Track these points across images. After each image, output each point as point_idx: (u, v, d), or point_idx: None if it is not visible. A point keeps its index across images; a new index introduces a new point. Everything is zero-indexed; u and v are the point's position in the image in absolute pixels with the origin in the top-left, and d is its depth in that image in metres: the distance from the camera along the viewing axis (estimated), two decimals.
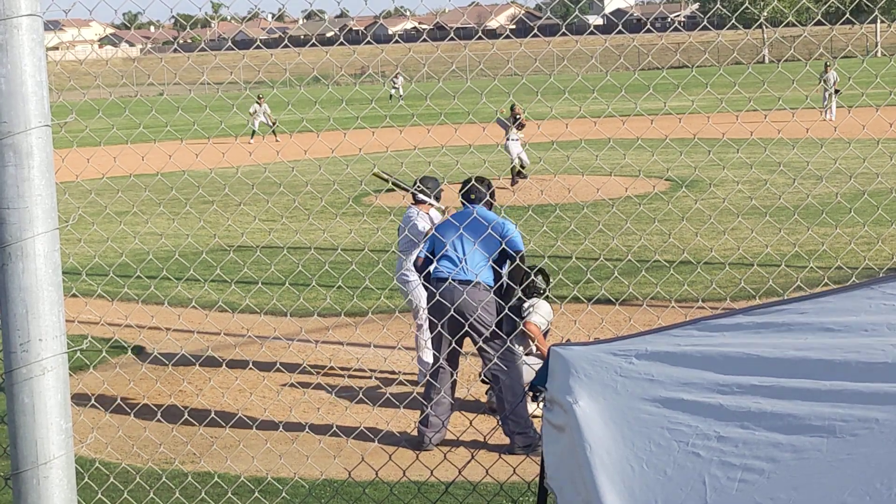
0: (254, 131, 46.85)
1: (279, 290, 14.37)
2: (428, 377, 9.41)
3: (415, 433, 9.65)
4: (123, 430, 9.20)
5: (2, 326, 3.84)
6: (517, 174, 27.60)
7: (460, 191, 10.14)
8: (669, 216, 19.77)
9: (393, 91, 67.06)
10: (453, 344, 9.10)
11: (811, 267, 13.16)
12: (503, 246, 9.50)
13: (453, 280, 9.44)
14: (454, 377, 9.54)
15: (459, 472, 7.01)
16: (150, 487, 8.09)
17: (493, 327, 9.48)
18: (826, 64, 42.39)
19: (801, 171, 23.36)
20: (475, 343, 9.50)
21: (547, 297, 10.83)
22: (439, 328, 9.19)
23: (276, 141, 43.92)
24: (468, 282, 9.43)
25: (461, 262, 9.52)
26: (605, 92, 46.89)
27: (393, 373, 11.39)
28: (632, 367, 3.93)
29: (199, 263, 14.91)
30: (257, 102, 46.65)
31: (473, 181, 10.05)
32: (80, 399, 10.08)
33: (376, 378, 11.30)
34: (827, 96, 40.68)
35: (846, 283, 4.13)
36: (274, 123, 44.81)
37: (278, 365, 11.65)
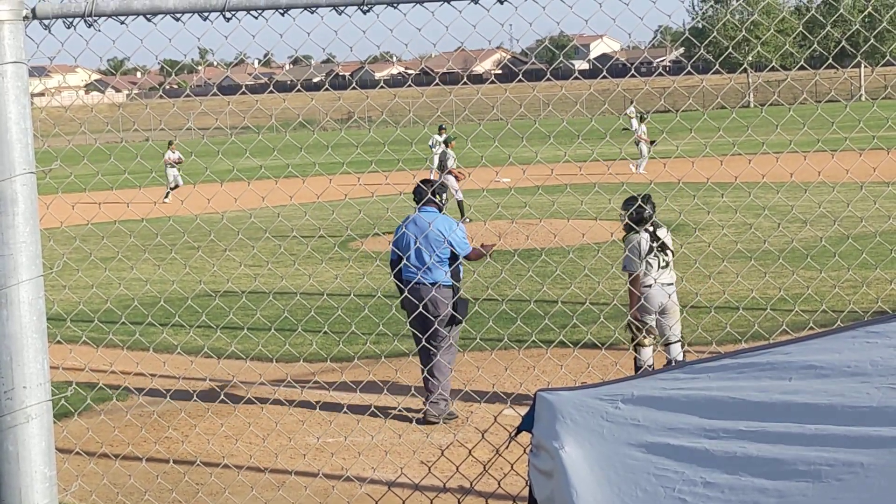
0: (174, 185, 40.54)
1: (265, 336, 14.33)
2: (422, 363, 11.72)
3: (402, 479, 9.62)
4: (108, 477, 9.14)
5: None
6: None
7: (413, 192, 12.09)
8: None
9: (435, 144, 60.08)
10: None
11: (797, 310, 13.17)
12: (451, 246, 11.58)
13: (420, 283, 11.41)
14: (434, 356, 11.33)
15: None
16: None
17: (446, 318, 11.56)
18: (641, 116, 42.30)
19: (786, 214, 23.43)
20: (432, 333, 11.50)
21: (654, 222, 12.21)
22: (415, 321, 11.35)
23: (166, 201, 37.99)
24: (433, 283, 11.45)
25: (424, 265, 11.49)
26: (591, 137, 47.08)
27: (379, 415, 11.36)
28: (618, 412, 3.92)
29: (185, 309, 14.88)
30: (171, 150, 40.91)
31: (420, 183, 12.00)
32: (64, 446, 10.03)
33: (362, 425, 11.26)
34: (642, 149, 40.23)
35: (831, 327, 4.13)
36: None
37: (264, 411, 11.60)
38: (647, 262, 11.80)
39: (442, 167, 28.04)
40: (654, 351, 12.11)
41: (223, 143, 48.84)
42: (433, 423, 11.41)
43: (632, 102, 45.76)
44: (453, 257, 11.72)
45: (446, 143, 29.51)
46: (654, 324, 11.91)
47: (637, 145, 40.23)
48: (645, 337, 11.89)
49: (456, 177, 27.78)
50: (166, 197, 38.96)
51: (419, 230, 11.55)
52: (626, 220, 12.00)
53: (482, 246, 11.90)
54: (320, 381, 12.57)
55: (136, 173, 35.78)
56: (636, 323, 11.85)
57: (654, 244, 11.84)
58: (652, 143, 39.79)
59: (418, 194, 11.95)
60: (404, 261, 11.53)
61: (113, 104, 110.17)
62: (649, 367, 11.96)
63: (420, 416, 11.53)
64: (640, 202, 11.83)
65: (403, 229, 11.70)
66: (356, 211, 27.46)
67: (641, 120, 41.47)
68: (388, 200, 29.03)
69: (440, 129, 38.93)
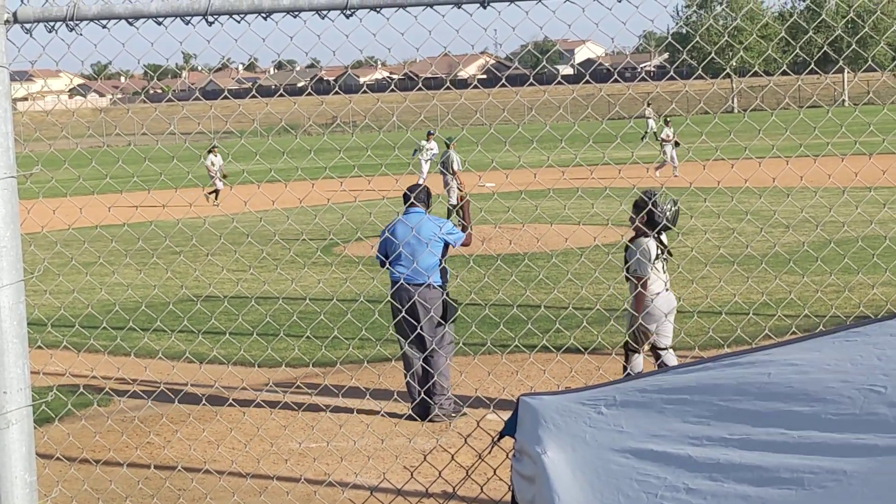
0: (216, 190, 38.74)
1: (247, 341, 14.30)
2: (404, 367, 11.76)
3: (385, 484, 9.61)
4: (89, 483, 9.11)
5: None
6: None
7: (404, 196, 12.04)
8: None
9: None
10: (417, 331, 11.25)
11: (779, 315, 13.20)
12: (444, 239, 11.58)
13: (409, 283, 11.33)
14: (420, 359, 11.47)
15: None
16: None
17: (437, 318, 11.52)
18: (665, 119, 42.28)
19: (768, 219, 23.48)
20: (421, 331, 11.29)
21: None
22: (402, 321, 11.30)
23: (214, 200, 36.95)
24: (421, 284, 11.35)
25: (413, 264, 11.34)
26: (574, 141, 47.11)
27: (363, 417, 11.34)
28: (601, 418, 3.91)
29: (167, 314, 14.83)
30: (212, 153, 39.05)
31: (407, 189, 11.94)
32: (45, 452, 9.99)
33: (345, 430, 11.24)
34: (667, 152, 40.26)
35: (814, 331, 4.14)
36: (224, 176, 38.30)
37: (246, 416, 11.58)
38: (655, 268, 11.38)
39: (446, 168, 28.20)
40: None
41: (206, 148, 48.69)
42: (440, 421, 11.56)
43: (648, 105, 45.49)
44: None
45: (447, 143, 29.46)
46: (654, 330, 11.62)
47: (662, 147, 40.21)
48: (643, 344, 11.58)
49: (458, 181, 27.97)
50: (210, 192, 38.25)
51: (407, 232, 11.55)
52: (638, 223, 11.44)
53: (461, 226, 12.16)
54: (303, 386, 12.54)
55: (117, 178, 35.69)
56: (642, 330, 11.42)
57: (660, 250, 11.41)
58: (676, 144, 39.66)
59: (407, 200, 11.99)
60: (388, 264, 11.62)
61: (95, 109, 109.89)
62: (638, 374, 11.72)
63: (410, 412, 11.63)
64: (663, 202, 11.36)
65: (387, 234, 11.73)
66: (339, 216, 27.43)
67: (666, 123, 41.41)
68: (372, 205, 29.00)
69: (428, 135, 38.68)
